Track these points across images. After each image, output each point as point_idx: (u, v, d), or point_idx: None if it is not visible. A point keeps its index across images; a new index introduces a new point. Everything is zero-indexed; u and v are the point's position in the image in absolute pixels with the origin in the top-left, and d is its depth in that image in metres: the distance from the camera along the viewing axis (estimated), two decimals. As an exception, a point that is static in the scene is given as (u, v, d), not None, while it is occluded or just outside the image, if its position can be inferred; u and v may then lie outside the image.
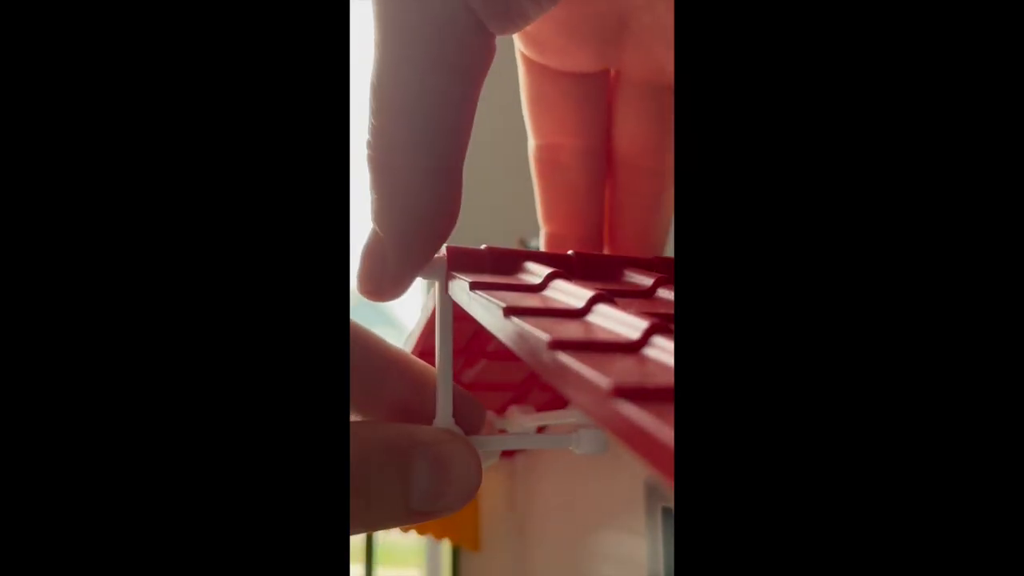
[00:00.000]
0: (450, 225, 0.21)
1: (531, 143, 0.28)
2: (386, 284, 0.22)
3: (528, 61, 0.26)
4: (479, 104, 0.21)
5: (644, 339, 0.13)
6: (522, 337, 0.14)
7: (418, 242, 0.21)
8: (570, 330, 0.14)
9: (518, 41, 0.26)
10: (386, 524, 0.20)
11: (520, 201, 0.80)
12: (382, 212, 0.21)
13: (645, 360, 0.13)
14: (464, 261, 0.22)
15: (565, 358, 0.12)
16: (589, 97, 0.26)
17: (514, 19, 0.20)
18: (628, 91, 0.26)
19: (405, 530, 0.53)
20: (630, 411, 0.10)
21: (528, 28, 0.24)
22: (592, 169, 0.27)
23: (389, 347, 0.22)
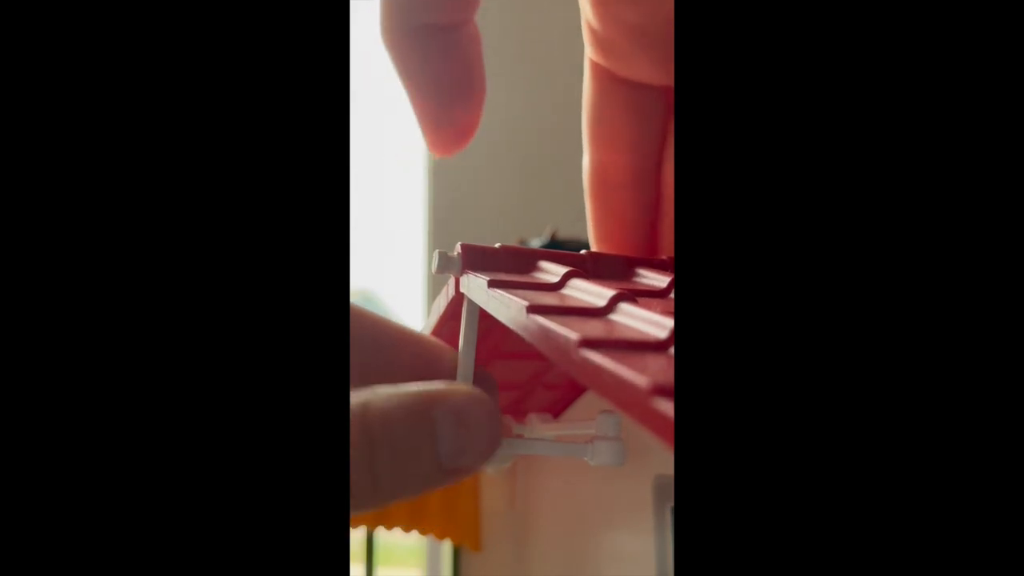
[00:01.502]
0: (473, 83, 0.23)
1: (586, 157, 0.27)
2: (441, 141, 0.23)
3: (595, 66, 0.26)
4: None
5: (673, 337, 0.13)
6: (548, 336, 0.14)
7: (444, 104, 0.22)
8: (596, 329, 0.14)
9: (587, 45, 0.26)
10: (421, 486, 0.20)
11: (520, 201, 0.81)
12: (403, 81, 0.22)
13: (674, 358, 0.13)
14: (479, 259, 0.22)
15: (598, 357, 0.12)
16: (649, 112, 0.26)
17: None
18: None
19: (407, 530, 0.53)
20: (671, 409, 0.10)
21: (599, 30, 0.24)
22: (645, 189, 0.27)
23: (399, 326, 0.23)
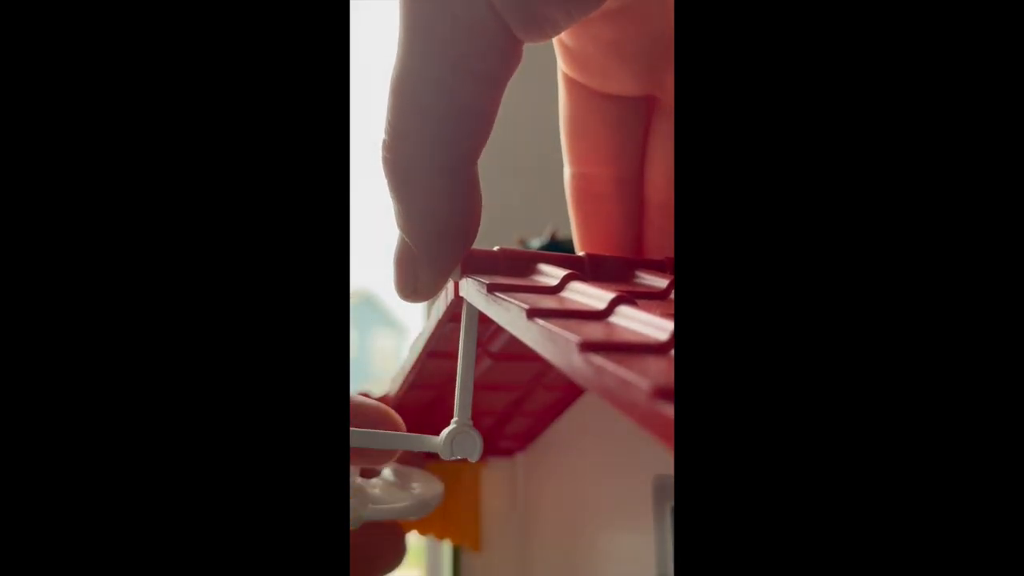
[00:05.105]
0: (474, 226, 0.21)
1: (567, 170, 0.27)
2: (421, 288, 0.22)
3: (569, 81, 0.26)
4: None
5: (673, 340, 0.13)
6: (549, 339, 0.14)
7: (445, 246, 0.21)
8: (597, 331, 0.14)
9: (560, 61, 0.25)
10: None
11: (520, 202, 0.81)
12: (405, 218, 0.21)
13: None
14: (477, 263, 0.22)
15: (599, 360, 0.12)
16: (629, 123, 0.26)
17: (542, 26, 0.19)
18: (667, 121, 0.26)
19: (406, 530, 0.53)
20: (671, 411, 0.10)
21: (573, 46, 0.24)
22: (629, 199, 0.27)
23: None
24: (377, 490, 0.26)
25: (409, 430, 0.26)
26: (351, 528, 0.24)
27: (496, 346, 0.29)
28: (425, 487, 0.27)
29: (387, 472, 0.27)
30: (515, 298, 0.17)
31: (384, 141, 0.20)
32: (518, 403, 0.36)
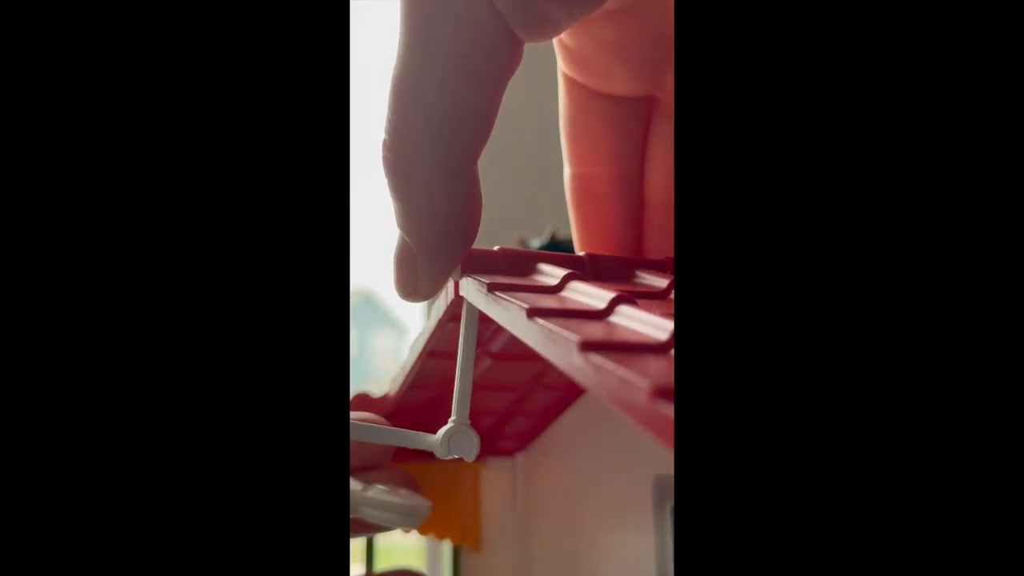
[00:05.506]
0: (475, 226, 0.21)
1: (567, 170, 0.27)
2: (421, 288, 0.22)
3: (569, 81, 0.26)
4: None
5: (673, 339, 0.13)
6: (549, 338, 0.14)
7: (445, 245, 0.21)
8: (596, 331, 0.14)
9: (560, 61, 0.26)
10: None
11: (520, 202, 0.81)
12: (405, 218, 0.21)
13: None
14: (477, 262, 0.22)
15: (599, 359, 0.12)
16: (629, 123, 0.26)
17: (543, 26, 0.20)
18: (667, 121, 0.26)
19: (406, 530, 0.53)
20: (671, 411, 0.10)
21: (573, 46, 0.24)
22: (629, 199, 0.27)
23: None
24: (368, 493, 0.26)
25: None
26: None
27: (496, 346, 0.29)
28: (414, 499, 0.27)
29: (374, 488, 0.28)
30: (515, 298, 0.17)
31: (384, 140, 0.20)
32: (518, 403, 0.36)
